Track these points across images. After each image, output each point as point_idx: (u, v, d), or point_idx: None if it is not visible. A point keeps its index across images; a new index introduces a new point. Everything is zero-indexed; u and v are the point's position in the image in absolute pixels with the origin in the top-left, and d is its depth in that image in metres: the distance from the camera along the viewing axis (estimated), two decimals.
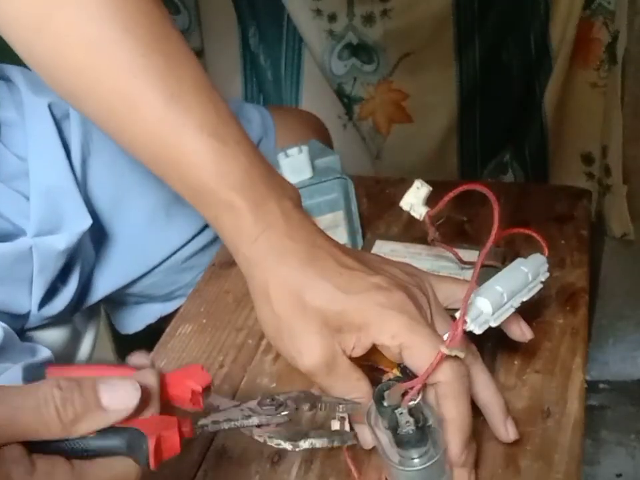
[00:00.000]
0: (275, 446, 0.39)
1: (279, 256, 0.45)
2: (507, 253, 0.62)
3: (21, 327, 0.66)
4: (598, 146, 1.16)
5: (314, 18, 1.22)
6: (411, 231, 0.68)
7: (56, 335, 0.70)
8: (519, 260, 0.49)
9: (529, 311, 0.51)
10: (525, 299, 0.47)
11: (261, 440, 0.39)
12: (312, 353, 0.44)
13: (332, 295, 0.45)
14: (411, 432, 0.42)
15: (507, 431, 0.46)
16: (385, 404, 0.43)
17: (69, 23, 0.47)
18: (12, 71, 0.69)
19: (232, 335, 0.59)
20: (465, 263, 0.59)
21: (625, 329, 1.30)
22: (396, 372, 0.47)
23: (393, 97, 1.28)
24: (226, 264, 0.67)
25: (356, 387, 0.45)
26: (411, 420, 0.42)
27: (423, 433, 0.42)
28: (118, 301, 0.79)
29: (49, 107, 0.66)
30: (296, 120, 0.90)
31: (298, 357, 0.45)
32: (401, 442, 0.42)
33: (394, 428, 0.42)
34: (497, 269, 0.60)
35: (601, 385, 1.33)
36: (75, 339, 0.74)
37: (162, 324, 0.78)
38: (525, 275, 0.48)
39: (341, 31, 1.22)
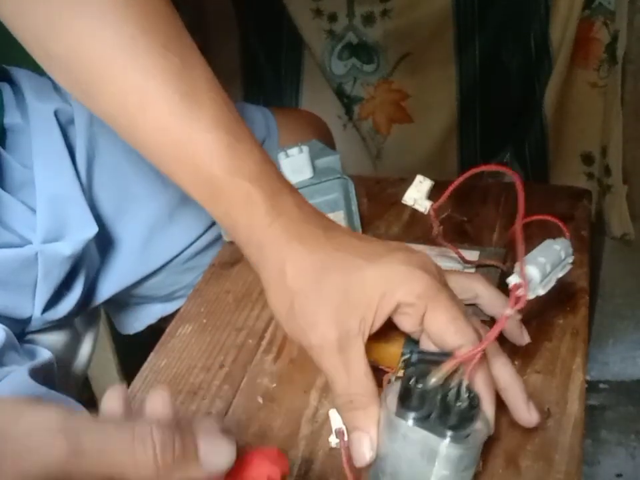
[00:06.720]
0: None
1: (296, 237, 0.45)
2: (507, 253, 0.62)
3: (22, 330, 0.66)
4: (598, 146, 1.16)
5: (314, 18, 1.22)
6: (412, 231, 0.68)
7: (56, 337, 0.70)
8: (549, 240, 0.49)
9: (529, 311, 0.51)
10: (559, 275, 0.47)
11: None
12: (325, 325, 0.42)
13: (353, 263, 0.43)
14: (463, 409, 0.38)
15: (529, 413, 0.45)
16: (430, 385, 0.39)
17: (87, 23, 0.47)
18: (17, 72, 0.69)
19: (232, 335, 0.59)
20: (467, 262, 0.59)
21: (625, 329, 1.30)
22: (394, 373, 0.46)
23: (392, 97, 1.28)
24: (226, 264, 0.67)
25: (361, 382, 0.42)
26: (464, 395, 0.38)
27: (472, 406, 0.38)
28: (119, 301, 0.79)
29: (55, 113, 0.65)
30: (299, 121, 0.90)
31: (309, 330, 0.43)
32: (454, 422, 0.38)
33: (443, 411, 0.38)
34: (497, 269, 0.61)
35: (601, 385, 1.33)
36: (75, 341, 0.73)
37: (162, 324, 0.78)
38: (558, 252, 0.47)
39: (341, 31, 1.23)
